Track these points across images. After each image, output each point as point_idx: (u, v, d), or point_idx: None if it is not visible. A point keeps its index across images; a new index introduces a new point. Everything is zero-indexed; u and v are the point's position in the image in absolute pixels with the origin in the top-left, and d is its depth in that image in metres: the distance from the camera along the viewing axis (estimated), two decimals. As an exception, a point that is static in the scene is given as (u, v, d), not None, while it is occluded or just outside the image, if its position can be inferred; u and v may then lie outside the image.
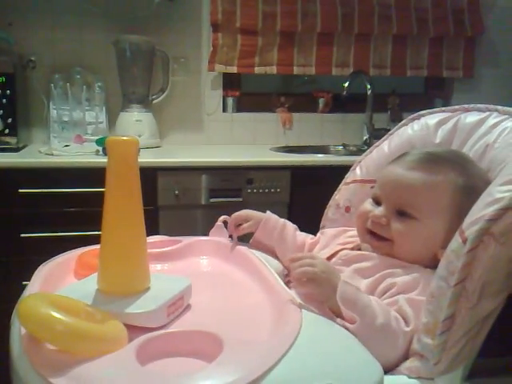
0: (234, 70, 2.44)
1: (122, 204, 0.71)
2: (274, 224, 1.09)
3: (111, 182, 0.71)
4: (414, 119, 1.09)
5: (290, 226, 1.10)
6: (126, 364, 0.57)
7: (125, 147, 0.72)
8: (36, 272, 0.87)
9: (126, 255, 0.71)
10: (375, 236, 0.92)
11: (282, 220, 1.11)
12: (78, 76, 2.24)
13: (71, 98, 2.18)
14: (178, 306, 0.74)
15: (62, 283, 0.86)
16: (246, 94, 2.58)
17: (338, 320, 0.76)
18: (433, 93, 2.75)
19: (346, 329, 0.74)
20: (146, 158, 1.96)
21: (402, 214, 0.89)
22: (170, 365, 0.62)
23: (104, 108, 2.24)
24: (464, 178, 0.88)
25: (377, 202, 0.94)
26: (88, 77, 2.26)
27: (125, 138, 0.72)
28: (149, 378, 0.56)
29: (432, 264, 0.86)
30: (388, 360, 0.74)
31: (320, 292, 0.78)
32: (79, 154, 1.95)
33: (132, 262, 0.72)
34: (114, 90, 2.30)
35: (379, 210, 0.91)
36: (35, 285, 0.80)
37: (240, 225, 1.09)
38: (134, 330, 0.66)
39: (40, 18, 2.25)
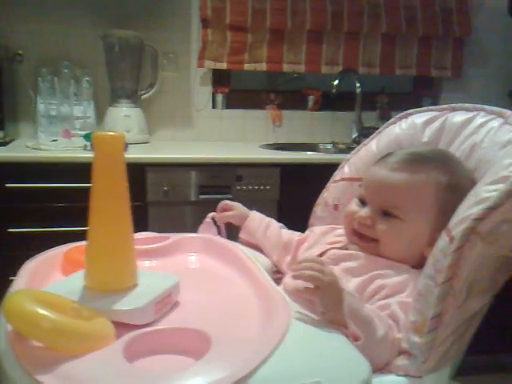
0: (223, 66, 2.43)
1: (109, 200, 0.71)
2: (257, 225, 1.11)
3: (97, 177, 0.70)
4: (401, 118, 1.10)
5: (275, 225, 1.11)
6: (112, 361, 0.57)
7: (111, 143, 0.71)
8: (22, 268, 0.86)
9: (113, 251, 0.71)
10: (362, 237, 0.92)
11: (267, 220, 1.12)
12: (66, 70, 2.22)
13: (59, 92, 2.16)
14: (166, 302, 0.74)
15: (48, 279, 0.85)
16: (235, 90, 2.57)
17: (344, 330, 0.74)
18: (421, 92, 2.76)
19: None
20: (135, 154, 1.95)
21: (386, 214, 0.90)
22: (158, 362, 0.62)
23: (92, 103, 2.22)
24: (447, 176, 0.89)
25: (362, 203, 0.94)
26: (76, 71, 2.24)
27: (111, 133, 0.71)
28: (136, 375, 0.56)
29: (419, 263, 0.86)
30: (380, 363, 0.74)
31: (325, 302, 0.75)
32: (67, 148, 1.93)
33: (119, 259, 0.72)
34: (102, 84, 2.28)
35: (365, 211, 0.92)
36: (21, 281, 0.79)
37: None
38: (121, 327, 0.66)
39: (27, 11, 2.23)
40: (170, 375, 0.56)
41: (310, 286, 0.75)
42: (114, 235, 0.72)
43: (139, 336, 0.63)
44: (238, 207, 1.14)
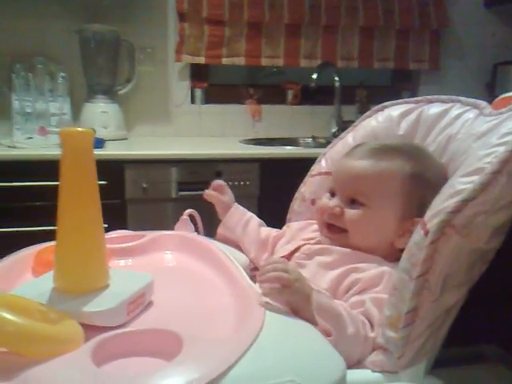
0: (201, 60, 2.41)
1: (77, 198, 0.68)
2: (237, 221, 1.10)
3: (65, 175, 0.68)
4: (377, 111, 1.09)
5: (255, 222, 1.10)
6: (80, 365, 0.55)
7: (79, 139, 0.69)
8: (-9, 270, 0.84)
9: (82, 251, 0.69)
10: (332, 228, 0.92)
11: (248, 215, 1.11)
12: (41, 66, 2.17)
13: (34, 88, 2.11)
14: (139, 303, 0.72)
15: (18, 281, 0.83)
16: (214, 85, 2.55)
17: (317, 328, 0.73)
18: (400, 85, 2.77)
19: None
20: (113, 151, 1.92)
21: (353, 202, 0.90)
22: (128, 365, 0.60)
23: (68, 99, 2.18)
24: (412, 165, 0.89)
25: (332, 195, 0.94)
26: (51, 67, 2.20)
27: (79, 129, 0.69)
28: (103, 380, 0.54)
29: (392, 255, 0.86)
30: (351, 360, 0.73)
31: (293, 300, 0.74)
32: (43, 146, 1.90)
33: (89, 259, 0.70)
34: (78, 80, 2.25)
35: (333, 201, 0.92)
36: (-11, 283, 0.76)
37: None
38: (91, 329, 0.64)
39: (0, 6, 2.18)
40: (140, 378, 0.55)
41: (277, 286, 0.74)
42: (83, 234, 0.70)
43: (108, 338, 0.61)
44: (229, 194, 1.12)
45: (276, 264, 0.76)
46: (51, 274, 0.72)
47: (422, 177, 0.88)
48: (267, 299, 0.74)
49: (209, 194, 1.11)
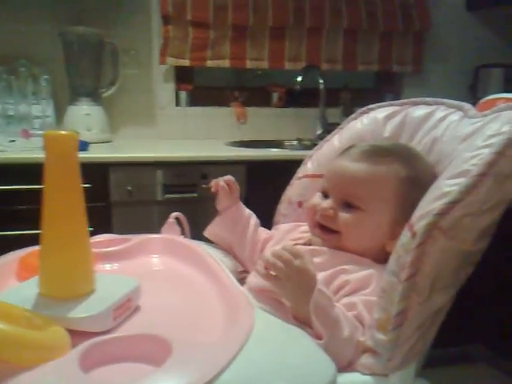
0: (185, 63, 2.40)
1: (62, 202, 0.68)
2: (239, 216, 1.09)
3: (49, 178, 0.67)
4: (363, 113, 1.09)
5: (253, 222, 1.09)
6: (67, 372, 0.54)
7: (63, 142, 0.68)
8: (-26, 276, 0.82)
9: (67, 256, 0.68)
10: (324, 229, 0.91)
11: (247, 213, 1.10)
12: (23, 68, 2.15)
13: (16, 91, 2.09)
14: (126, 308, 0.71)
15: (2, 286, 0.81)
16: (199, 87, 2.54)
17: (308, 330, 0.73)
18: (383, 88, 2.79)
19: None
20: (97, 153, 1.90)
21: (348, 205, 0.89)
22: (116, 371, 0.59)
23: (51, 101, 2.16)
24: (407, 169, 0.89)
25: (325, 195, 0.93)
26: (33, 69, 2.17)
27: (63, 132, 0.68)
28: (91, 387, 0.53)
29: (382, 257, 0.86)
30: (342, 363, 0.72)
31: (283, 294, 0.75)
32: (26, 149, 1.87)
33: (74, 264, 0.69)
34: (61, 82, 2.22)
35: (327, 203, 0.91)
36: (-28, 289, 0.75)
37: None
38: (77, 335, 0.63)
39: (-18, 8, 2.15)
40: (128, 384, 0.54)
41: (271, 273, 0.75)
42: (69, 239, 0.69)
43: (96, 344, 0.60)
44: (236, 193, 1.10)
45: (283, 253, 0.75)
46: (36, 279, 0.71)
47: (416, 181, 0.87)
48: (263, 309, 0.74)
49: (220, 184, 1.09)
